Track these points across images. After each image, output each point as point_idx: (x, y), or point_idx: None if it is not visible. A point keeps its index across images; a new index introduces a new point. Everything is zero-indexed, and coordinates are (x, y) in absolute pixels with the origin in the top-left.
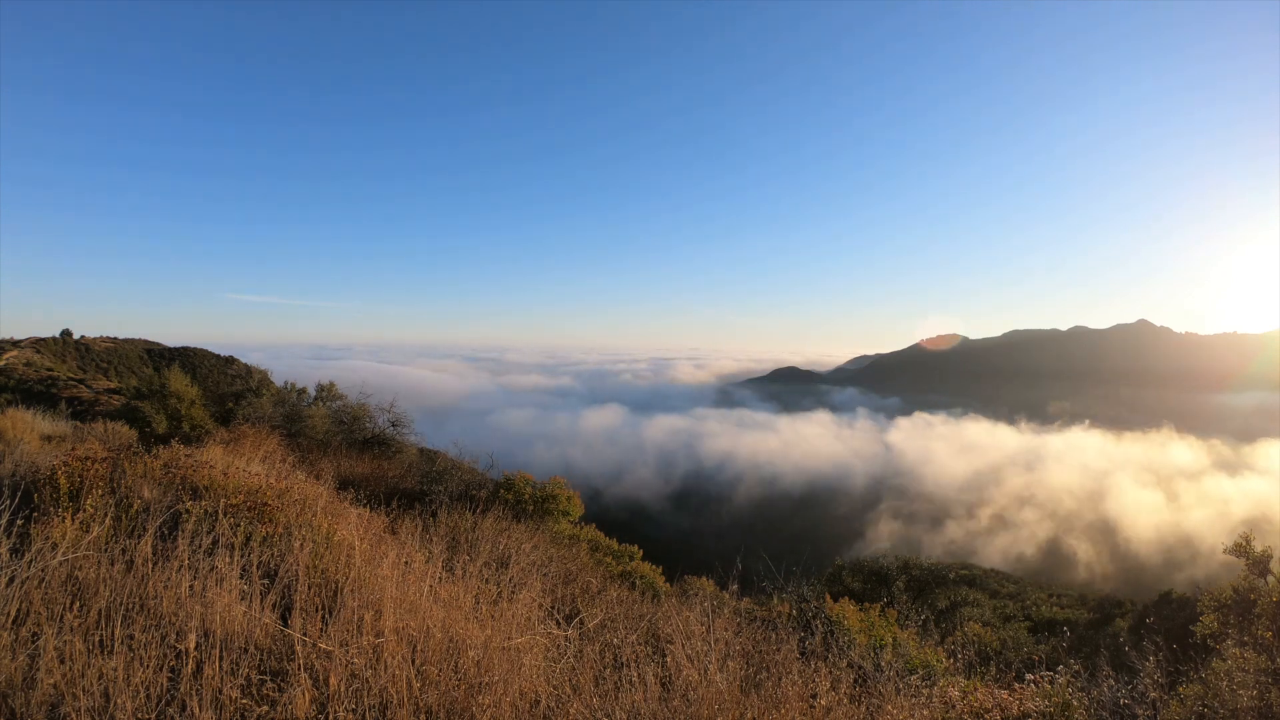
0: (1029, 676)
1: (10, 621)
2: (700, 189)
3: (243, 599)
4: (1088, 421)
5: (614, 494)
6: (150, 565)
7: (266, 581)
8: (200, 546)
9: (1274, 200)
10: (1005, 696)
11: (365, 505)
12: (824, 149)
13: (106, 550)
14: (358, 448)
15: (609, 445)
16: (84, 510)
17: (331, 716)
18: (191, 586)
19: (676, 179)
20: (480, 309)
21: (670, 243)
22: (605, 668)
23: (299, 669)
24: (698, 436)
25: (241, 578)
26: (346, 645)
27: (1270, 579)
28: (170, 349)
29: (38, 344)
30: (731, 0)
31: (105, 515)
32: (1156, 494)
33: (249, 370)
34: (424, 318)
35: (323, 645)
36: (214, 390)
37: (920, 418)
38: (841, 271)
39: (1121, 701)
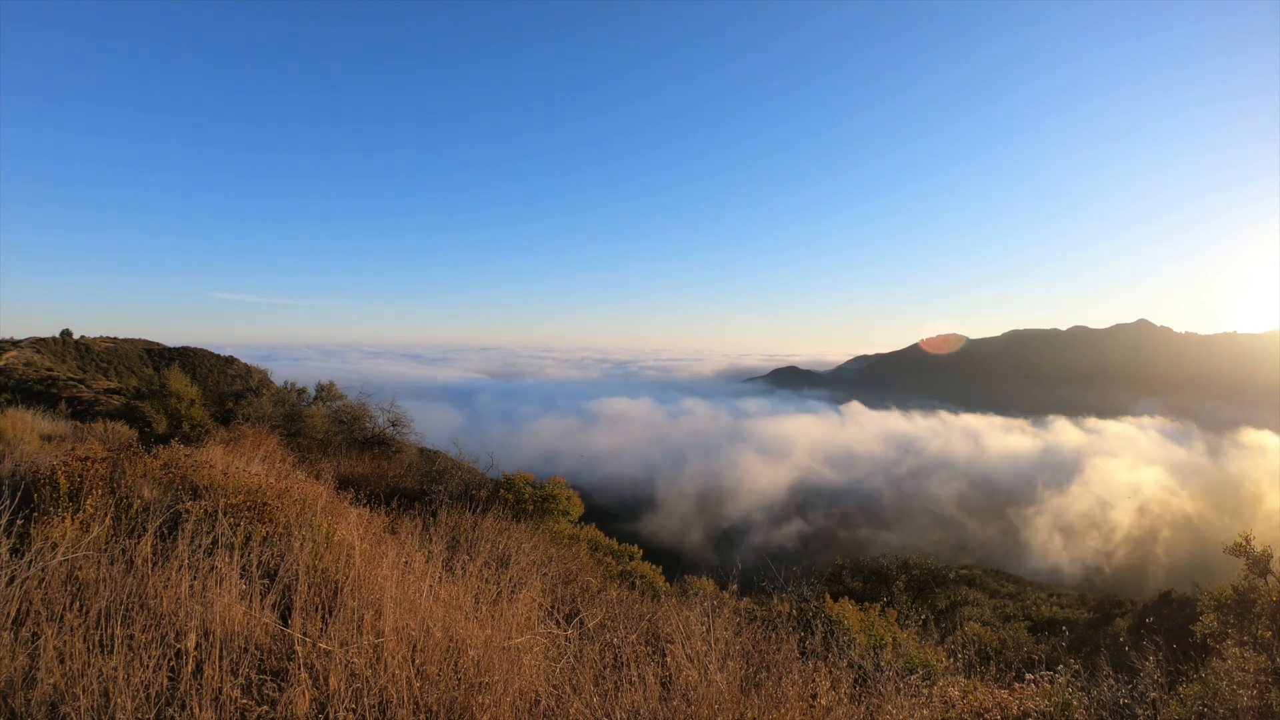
0: (1029, 676)
1: (10, 621)
2: (690, 189)
3: (243, 599)
4: (1091, 420)
5: (620, 498)
6: (150, 565)
7: (266, 581)
8: (200, 546)
9: (1274, 201)
10: (1005, 696)
11: (365, 505)
12: (818, 148)
13: (106, 550)
14: (358, 447)
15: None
16: (84, 510)
17: (331, 716)
18: (191, 586)
19: (667, 179)
20: (468, 309)
21: (659, 242)
22: (605, 667)
23: (299, 669)
24: (721, 436)
25: (241, 577)
26: (346, 645)
27: (1270, 578)
28: (170, 349)
29: (38, 344)
30: (728, 1)
31: (105, 515)
32: (1156, 493)
33: (249, 370)
34: (404, 318)
35: (323, 645)
36: (214, 390)
37: (939, 416)
38: (835, 271)
39: (1121, 701)
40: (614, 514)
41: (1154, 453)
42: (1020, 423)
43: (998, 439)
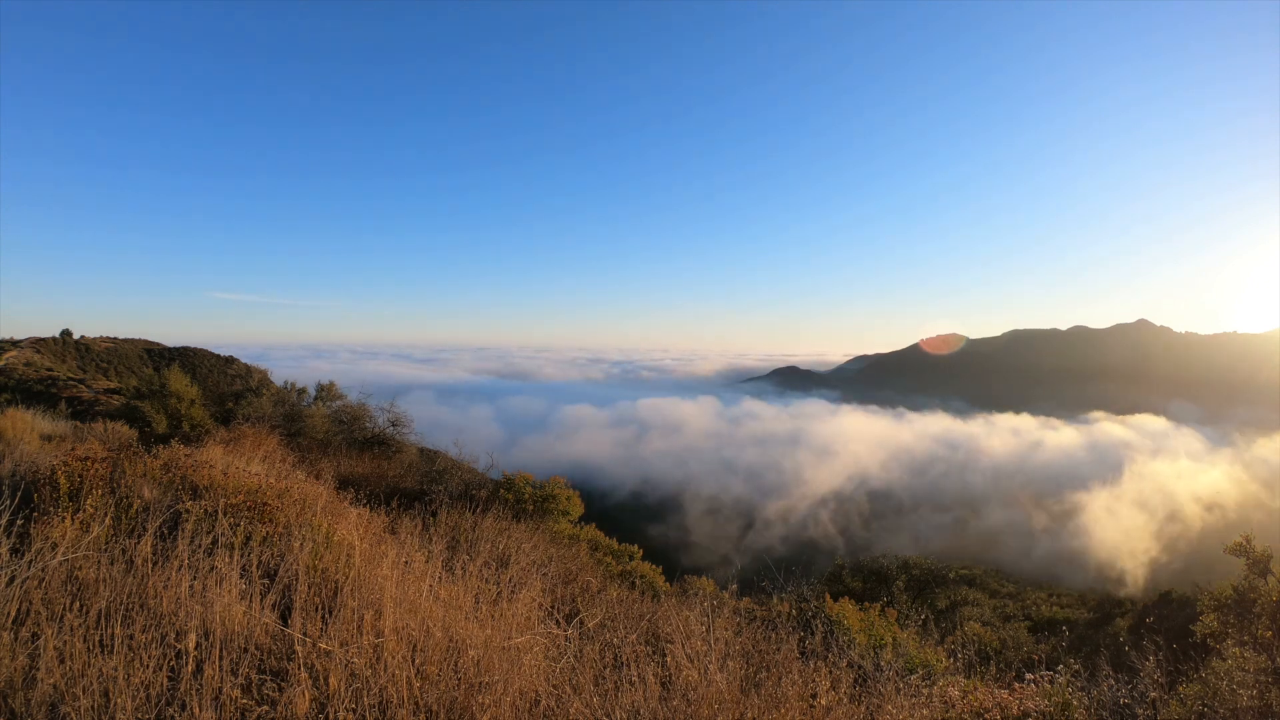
0: (1029, 676)
1: (10, 621)
2: (687, 190)
3: (243, 599)
4: (1096, 419)
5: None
6: (150, 565)
7: (266, 581)
8: (200, 546)
9: (1274, 201)
10: (1005, 696)
11: (365, 505)
12: (818, 149)
13: (106, 550)
14: (358, 447)
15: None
16: (84, 510)
17: (331, 716)
18: (191, 586)
19: (664, 179)
20: (462, 309)
21: (654, 243)
22: (605, 667)
23: (299, 669)
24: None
25: (241, 577)
26: (346, 645)
27: (1270, 579)
28: (170, 349)
29: (38, 344)
30: (727, 2)
31: (105, 515)
32: (1158, 493)
33: (249, 370)
34: (404, 317)
35: (323, 645)
36: (214, 390)
37: (972, 416)
38: (834, 271)
39: (1121, 701)
40: (652, 516)
41: (1194, 450)
42: (1054, 421)
43: (1036, 437)
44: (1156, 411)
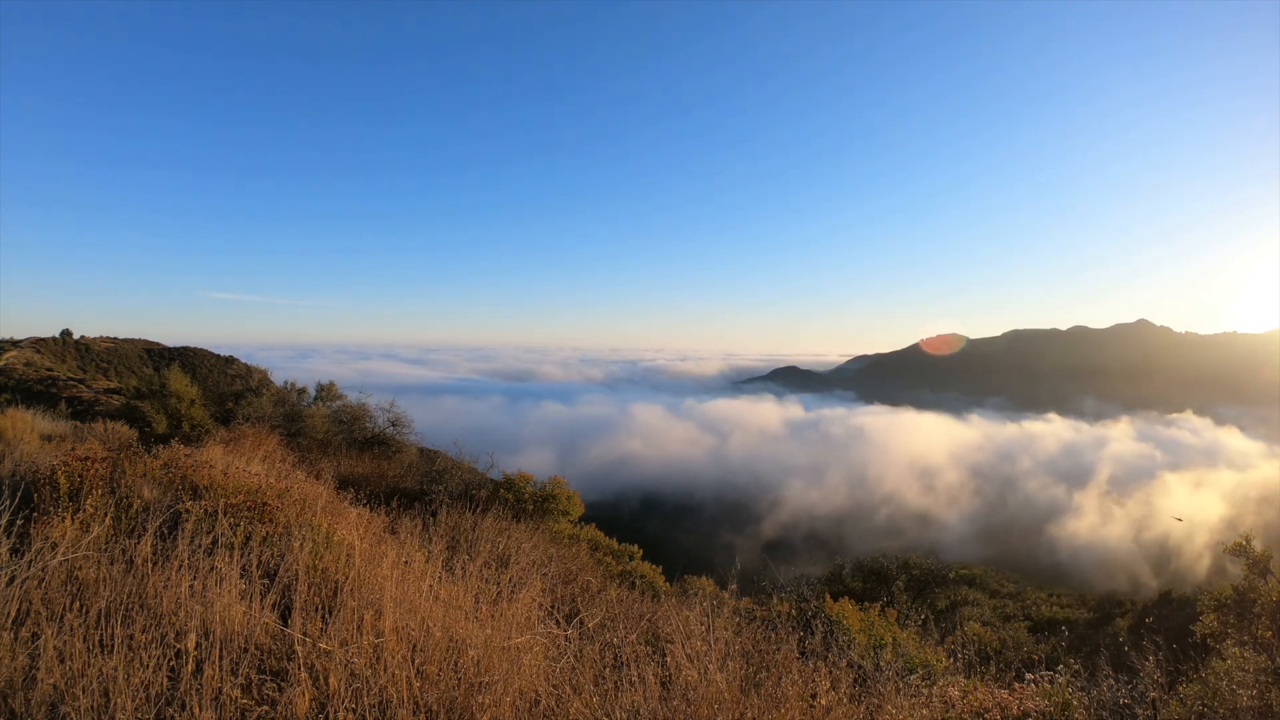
0: (1029, 676)
1: (10, 621)
2: (686, 189)
3: (243, 599)
4: (1104, 419)
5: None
6: (150, 565)
7: (266, 581)
8: (200, 546)
9: (1274, 201)
10: (1005, 696)
11: (365, 505)
12: (817, 149)
13: (106, 550)
14: (358, 447)
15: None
16: (84, 510)
17: (331, 716)
18: (191, 586)
19: (664, 179)
20: (459, 309)
21: (652, 243)
22: (605, 667)
23: (299, 668)
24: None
25: (241, 577)
26: (346, 645)
27: (1270, 579)
28: (170, 349)
29: (38, 344)
30: (727, 1)
31: (105, 515)
32: (1157, 492)
33: (249, 370)
34: (404, 317)
35: (323, 645)
36: (214, 390)
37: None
38: (833, 271)
39: (1121, 701)
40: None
41: (1249, 449)
42: (1088, 421)
43: (1091, 435)
44: (1166, 410)
